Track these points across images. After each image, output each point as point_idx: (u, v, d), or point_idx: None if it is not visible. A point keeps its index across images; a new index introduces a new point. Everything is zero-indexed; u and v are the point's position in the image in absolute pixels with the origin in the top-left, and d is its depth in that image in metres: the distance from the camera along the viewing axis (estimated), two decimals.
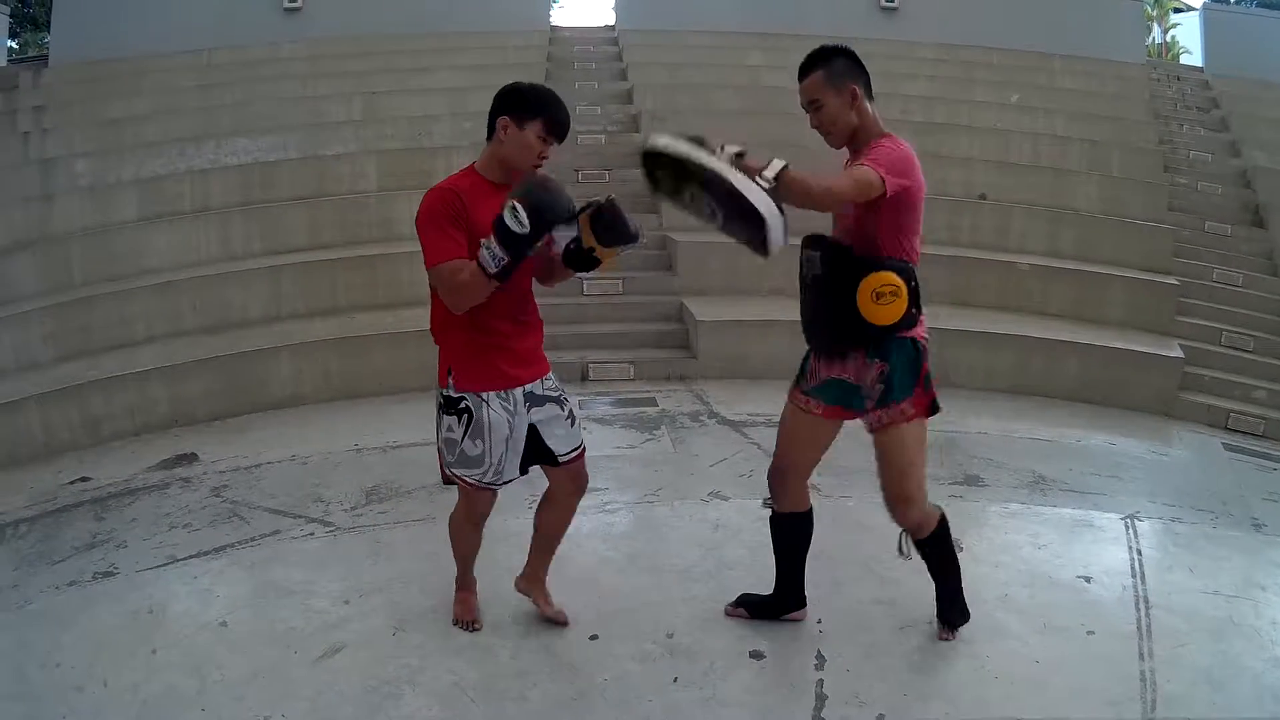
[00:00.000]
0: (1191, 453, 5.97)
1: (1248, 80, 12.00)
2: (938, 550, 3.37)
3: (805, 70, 3.02)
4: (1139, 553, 4.29)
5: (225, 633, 3.41)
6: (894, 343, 3.04)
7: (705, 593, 3.73)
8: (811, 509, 3.40)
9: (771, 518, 3.44)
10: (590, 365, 6.62)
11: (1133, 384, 6.59)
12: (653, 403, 6.17)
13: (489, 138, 2.99)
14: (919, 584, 3.78)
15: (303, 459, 5.12)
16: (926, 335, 3.12)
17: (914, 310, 3.03)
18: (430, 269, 2.90)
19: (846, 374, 3.12)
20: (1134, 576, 4.06)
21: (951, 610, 3.47)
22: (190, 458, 5.21)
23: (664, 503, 4.57)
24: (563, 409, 3.24)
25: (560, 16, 13.12)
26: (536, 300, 3.21)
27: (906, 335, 3.05)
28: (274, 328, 6.46)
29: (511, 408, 3.10)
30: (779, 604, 3.51)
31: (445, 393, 3.11)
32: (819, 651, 3.37)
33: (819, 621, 3.55)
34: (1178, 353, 6.74)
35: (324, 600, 3.64)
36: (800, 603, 3.51)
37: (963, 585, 3.47)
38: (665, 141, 2.60)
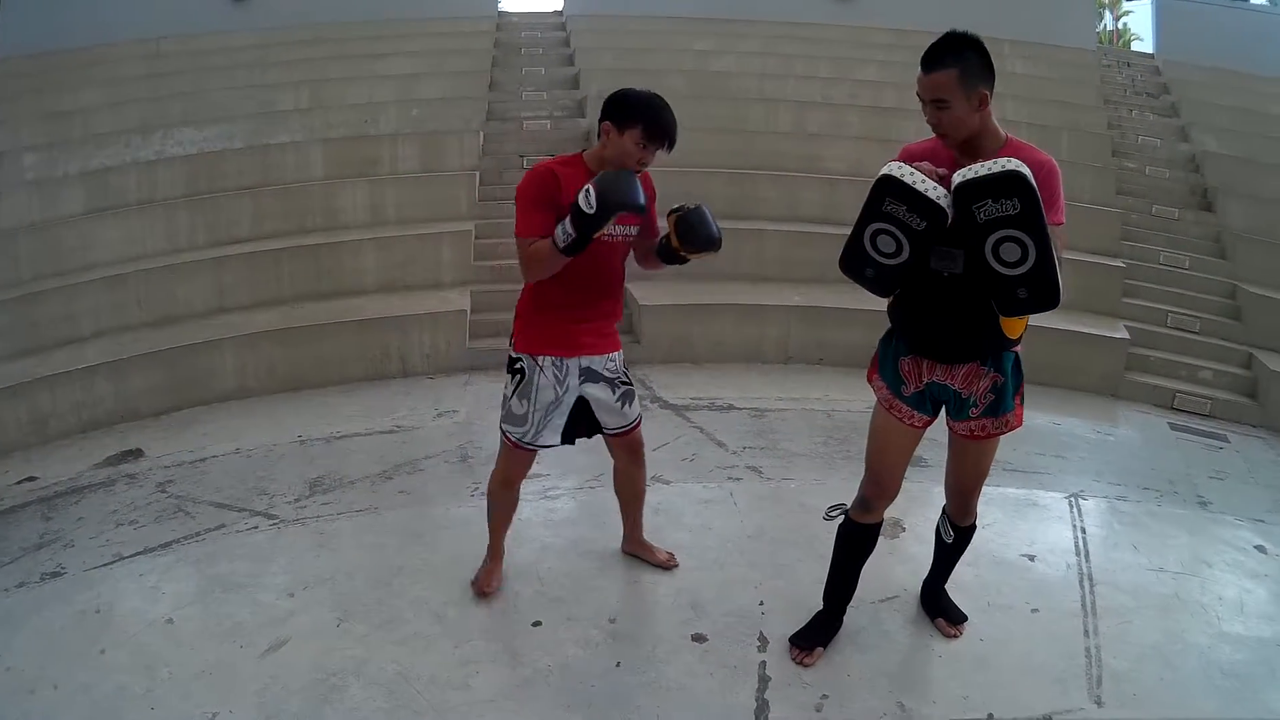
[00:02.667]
0: (1137, 432, 6.04)
1: (1198, 67, 12.09)
2: (968, 539, 3.43)
3: (935, 62, 2.68)
4: (1083, 531, 4.36)
5: (172, 630, 3.39)
6: (1006, 354, 2.96)
7: (647, 577, 3.76)
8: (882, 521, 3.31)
9: (847, 527, 3.28)
10: None
11: (1079, 365, 6.66)
12: None
13: (598, 137, 3.20)
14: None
15: (247, 452, 5.07)
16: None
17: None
18: (517, 240, 3.14)
19: (953, 381, 2.98)
20: (1079, 555, 4.13)
21: (954, 607, 3.56)
22: (136, 453, 5.15)
23: (606, 488, 4.48)
24: (614, 392, 3.45)
25: (509, 2, 12.97)
26: None
27: (1014, 349, 2.98)
28: (218, 320, 6.36)
29: (563, 376, 3.32)
30: (837, 619, 3.42)
31: (509, 352, 3.37)
32: (761, 633, 3.40)
33: (761, 604, 3.58)
34: (1124, 334, 6.81)
35: (269, 594, 3.62)
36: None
37: None
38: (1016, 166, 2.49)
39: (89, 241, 6.85)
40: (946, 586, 3.59)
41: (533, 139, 9.24)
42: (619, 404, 3.47)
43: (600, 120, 3.17)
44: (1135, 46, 25.47)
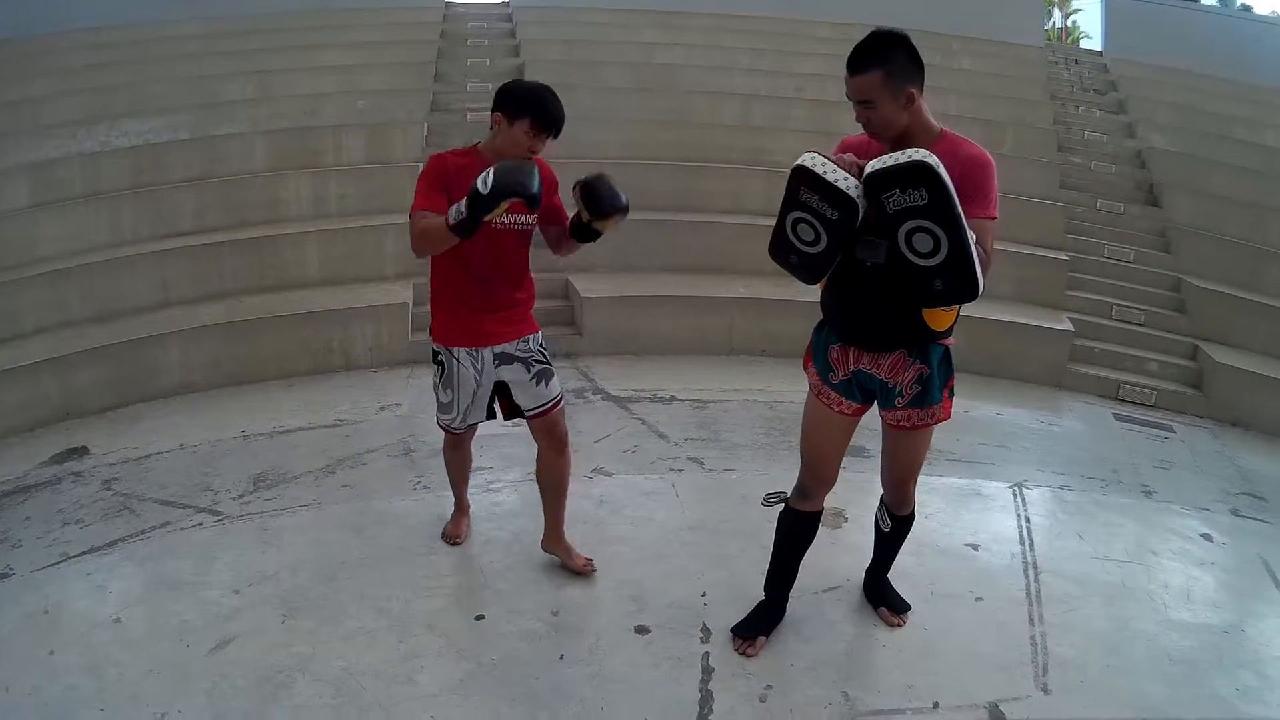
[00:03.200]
0: (1081, 423, 6.12)
1: (1146, 65, 12.24)
2: (906, 528, 3.46)
3: (860, 64, 2.71)
4: (1027, 520, 4.41)
5: (120, 629, 3.35)
6: (933, 347, 2.98)
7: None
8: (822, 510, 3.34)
9: (786, 515, 3.31)
10: None
11: (1023, 357, 6.74)
12: None
13: (490, 127, 3.26)
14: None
15: (192, 448, 5.00)
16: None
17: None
18: (409, 217, 3.19)
19: (878, 370, 3.00)
20: (1023, 544, 4.18)
21: (897, 596, 3.60)
22: (81, 451, 5.06)
23: None
24: (529, 371, 3.51)
25: None
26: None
27: (944, 342, 3.00)
28: (162, 314, 6.23)
29: (480, 365, 3.45)
30: (779, 607, 3.45)
31: (431, 344, 3.51)
32: (704, 624, 3.42)
33: (703, 595, 3.61)
34: (1067, 326, 6.90)
35: (215, 591, 3.59)
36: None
37: None
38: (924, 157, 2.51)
39: (33, 235, 6.70)
40: (890, 576, 3.63)
41: (477, 130, 9.12)
42: (533, 382, 3.52)
43: (492, 111, 3.24)
44: (1084, 44, 25.82)
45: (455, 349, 3.44)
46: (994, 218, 2.75)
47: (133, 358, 5.75)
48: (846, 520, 4.23)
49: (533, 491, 3.84)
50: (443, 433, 3.79)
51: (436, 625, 3.36)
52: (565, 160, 8.13)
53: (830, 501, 4.25)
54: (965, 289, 2.62)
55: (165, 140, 7.93)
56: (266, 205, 7.43)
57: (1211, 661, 3.43)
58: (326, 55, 10.21)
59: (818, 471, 3.22)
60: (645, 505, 4.30)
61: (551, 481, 3.73)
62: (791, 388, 5.80)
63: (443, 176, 3.21)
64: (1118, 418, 6.28)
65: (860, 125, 2.83)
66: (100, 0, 11.03)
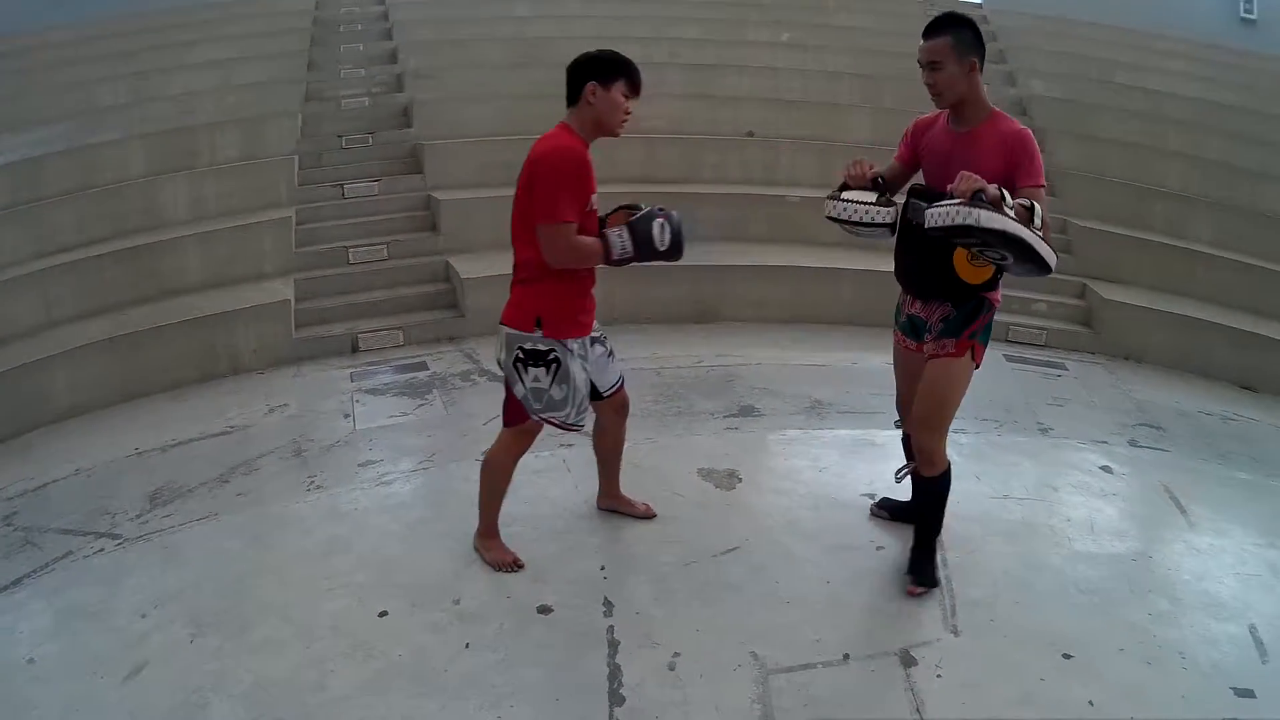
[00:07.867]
0: None
1: (1025, 14, 12.47)
2: (931, 492, 3.58)
3: (934, 31, 3.16)
4: None
5: (34, 669, 3.26)
6: (971, 298, 3.31)
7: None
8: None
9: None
10: (360, 336, 6.48)
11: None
12: (424, 367, 6.07)
13: (571, 104, 3.36)
14: (698, 519, 3.92)
15: (86, 471, 4.86)
16: (1000, 299, 3.41)
17: (997, 275, 3.26)
18: (550, 224, 3.25)
19: (919, 311, 3.46)
20: None
21: (925, 565, 3.60)
22: None
23: (439, 467, 4.53)
24: (605, 347, 3.67)
25: None
26: None
27: (987, 295, 3.33)
28: (46, 336, 5.98)
29: (584, 353, 3.50)
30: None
31: (532, 345, 3.43)
32: (606, 598, 3.46)
33: (602, 568, 3.63)
34: None
35: (122, 617, 3.51)
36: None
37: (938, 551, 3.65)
38: (981, 216, 2.80)
39: None
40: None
41: (352, 117, 9.04)
42: (609, 358, 3.70)
43: (583, 83, 3.30)
44: None
45: (570, 341, 3.45)
46: (1042, 184, 3.11)
47: (19, 384, 5.51)
48: (740, 481, 4.28)
49: (425, 480, 3.81)
50: (507, 440, 3.71)
51: (341, 626, 3.34)
52: (446, 140, 8.10)
53: (723, 463, 4.34)
54: (1040, 271, 3.01)
55: (40, 154, 7.60)
56: (145, 212, 7.20)
57: (1122, 590, 3.55)
58: (200, 51, 9.90)
59: (901, 398, 3.77)
60: (538, 483, 4.26)
61: (618, 448, 3.94)
62: (679, 353, 5.88)
63: (585, 173, 3.29)
64: (1008, 359, 6.38)
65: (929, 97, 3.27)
66: None
